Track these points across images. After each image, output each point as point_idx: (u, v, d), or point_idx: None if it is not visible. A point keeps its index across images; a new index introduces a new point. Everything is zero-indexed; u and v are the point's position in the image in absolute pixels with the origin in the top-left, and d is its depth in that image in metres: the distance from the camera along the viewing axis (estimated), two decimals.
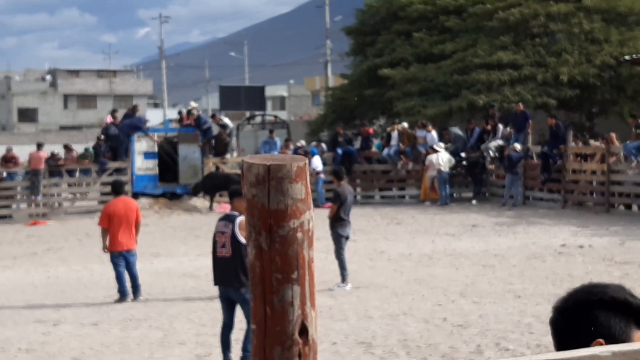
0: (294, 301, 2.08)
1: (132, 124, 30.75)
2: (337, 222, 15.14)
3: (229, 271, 10.38)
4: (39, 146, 30.83)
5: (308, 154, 29.55)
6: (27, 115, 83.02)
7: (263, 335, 2.09)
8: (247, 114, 42.14)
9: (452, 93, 34.83)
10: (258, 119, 40.61)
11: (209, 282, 16.44)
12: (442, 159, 29.01)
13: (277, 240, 2.07)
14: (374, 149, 33.25)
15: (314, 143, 34.13)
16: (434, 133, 30.64)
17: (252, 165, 2.11)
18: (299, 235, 2.08)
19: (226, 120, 32.76)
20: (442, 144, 29.68)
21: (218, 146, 31.32)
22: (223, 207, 29.71)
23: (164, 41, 78.52)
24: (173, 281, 16.65)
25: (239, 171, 30.86)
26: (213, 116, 33.03)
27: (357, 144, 33.26)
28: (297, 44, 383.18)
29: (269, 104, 61.54)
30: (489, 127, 29.69)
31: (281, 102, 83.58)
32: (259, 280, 2.09)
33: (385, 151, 31.59)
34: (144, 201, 28.72)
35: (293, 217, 2.08)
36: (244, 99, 41.93)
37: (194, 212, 29.23)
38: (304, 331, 2.10)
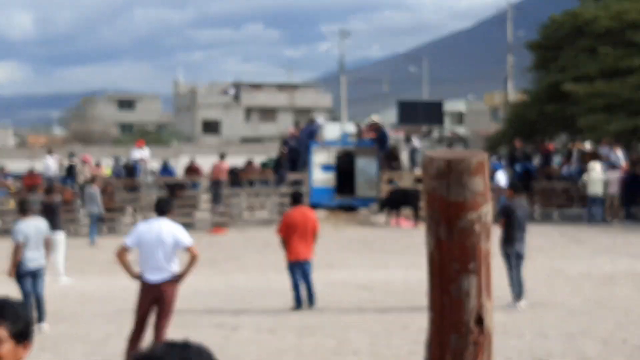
0: (470, 291, 2.12)
1: (308, 129, 31.49)
2: (503, 239, 14.56)
3: None
4: (222, 157, 31.81)
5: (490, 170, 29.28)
6: (211, 127, 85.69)
7: (440, 322, 2.14)
8: (424, 128, 42.14)
9: (638, 109, 33.71)
10: (435, 134, 40.56)
11: (383, 293, 16.58)
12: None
13: (455, 232, 2.12)
14: (554, 165, 32.61)
15: (494, 157, 33.72)
16: (618, 152, 29.74)
17: (433, 159, 2.16)
18: (477, 227, 2.11)
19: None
20: None
21: (391, 160, 31.51)
22: (398, 221, 29.81)
23: (344, 56, 79.26)
24: (347, 292, 16.84)
25: (416, 187, 30.91)
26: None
27: (536, 160, 32.69)
28: (477, 60, 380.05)
29: (447, 119, 61.23)
30: None
31: (459, 118, 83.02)
32: (437, 270, 2.14)
33: (565, 169, 30.93)
34: (320, 213, 29.14)
35: (472, 210, 2.12)
36: (422, 113, 41.92)
37: (370, 226, 29.45)
38: (479, 321, 2.13)
